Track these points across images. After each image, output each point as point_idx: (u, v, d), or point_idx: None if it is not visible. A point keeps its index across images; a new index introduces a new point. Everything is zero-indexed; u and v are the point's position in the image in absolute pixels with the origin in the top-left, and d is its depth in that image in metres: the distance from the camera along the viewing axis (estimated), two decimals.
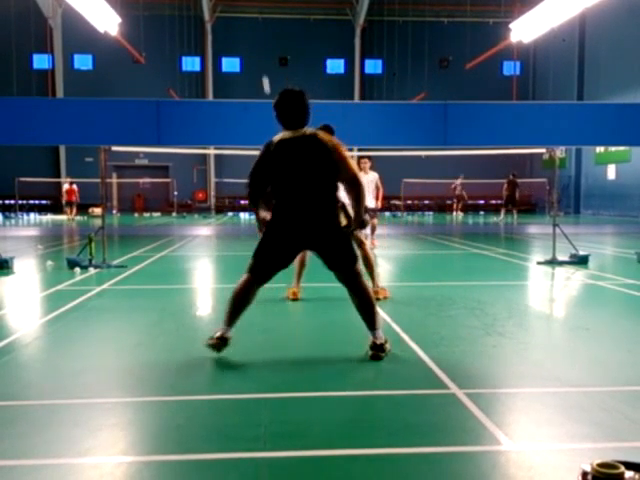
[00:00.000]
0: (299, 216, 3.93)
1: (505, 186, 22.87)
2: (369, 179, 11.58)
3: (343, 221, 4.17)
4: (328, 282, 7.78)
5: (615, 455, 2.18)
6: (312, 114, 4.06)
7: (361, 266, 4.17)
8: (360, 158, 12.18)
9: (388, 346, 3.97)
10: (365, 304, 4.00)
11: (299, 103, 3.97)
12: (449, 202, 29.57)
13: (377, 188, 11.45)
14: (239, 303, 4.03)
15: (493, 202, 25.75)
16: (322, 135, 3.96)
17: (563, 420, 2.93)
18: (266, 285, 4.21)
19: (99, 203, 11.23)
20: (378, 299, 5.81)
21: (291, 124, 3.96)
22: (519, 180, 24.31)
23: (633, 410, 3.07)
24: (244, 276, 4.09)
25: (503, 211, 23.31)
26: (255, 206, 4.20)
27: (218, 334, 3.97)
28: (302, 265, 6.18)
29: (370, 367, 3.86)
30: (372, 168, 11.62)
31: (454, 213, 27.84)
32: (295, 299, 6.18)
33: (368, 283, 4.18)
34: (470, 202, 29.41)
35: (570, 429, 2.81)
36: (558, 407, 3.12)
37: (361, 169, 11.75)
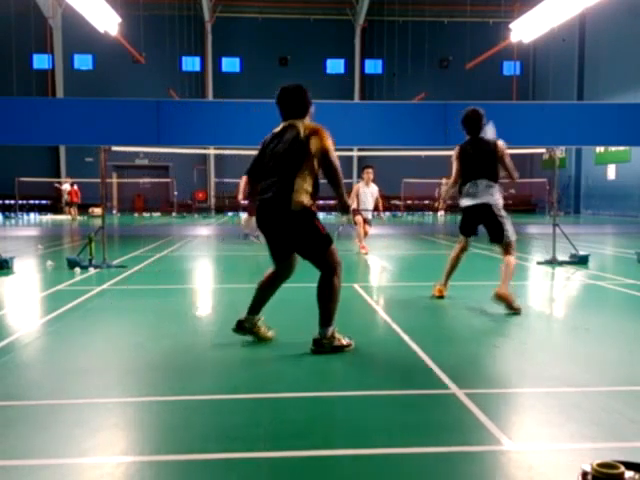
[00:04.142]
0: (262, 205, 4.11)
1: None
2: (371, 191, 11.52)
3: (306, 202, 4.02)
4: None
5: (615, 455, 2.18)
6: (313, 108, 4.25)
7: (336, 260, 4.12)
8: (364, 168, 12.09)
9: (327, 342, 4.06)
10: (321, 297, 4.10)
11: (290, 96, 4.16)
12: (449, 202, 29.59)
13: (376, 201, 11.50)
14: (259, 286, 4.44)
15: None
16: (301, 122, 4.07)
17: (563, 420, 2.93)
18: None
19: (99, 203, 11.23)
20: (440, 297, 6.18)
21: (284, 116, 4.18)
22: (519, 180, 24.60)
23: (633, 410, 3.07)
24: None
25: None
26: (250, 195, 4.64)
27: (240, 318, 4.36)
28: (453, 265, 6.21)
29: (370, 367, 3.87)
30: (374, 180, 11.58)
31: (442, 213, 28.14)
32: (440, 296, 6.16)
33: (339, 280, 4.15)
34: None
35: (570, 429, 2.81)
36: (558, 407, 3.12)
37: (365, 180, 11.68)
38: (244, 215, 13.32)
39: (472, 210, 5.85)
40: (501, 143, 5.80)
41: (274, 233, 4.16)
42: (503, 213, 5.76)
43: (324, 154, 3.93)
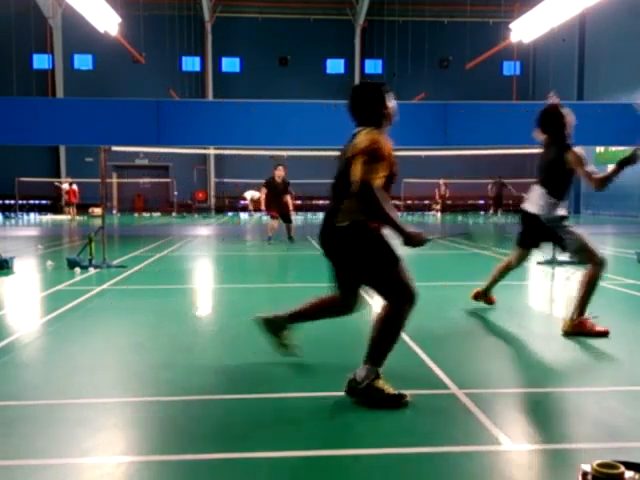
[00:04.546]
0: (321, 229, 3.45)
1: (491, 187, 24.57)
2: None
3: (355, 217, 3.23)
4: (328, 282, 7.75)
5: (615, 455, 2.18)
6: (381, 113, 3.39)
7: (404, 286, 3.23)
8: None
9: (364, 387, 3.15)
10: (377, 329, 3.26)
11: (356, 97, 3.37)
12: (449, 202, 29.83)
13: None
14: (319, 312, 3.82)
15: (481, 202, 26.14)
16: (364, 133, 3.26)
17: (563, 420, 2.93)
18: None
19: (99, 203, 11.23)
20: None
21: (355, 122, 3.41)
22: (518, 180, 24.99)
23: (633, 410, 3.07)
24: None
25: (496, 210, 24.31)
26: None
27: (269, 316, 3.81)
28: (503, 269, 5.55)
29: None
30: None
31: (437, 213, 28.70)
32: (476, 297, 5.71)
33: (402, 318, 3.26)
34: (470, 202, 29.56)
35: (570, 429, 2.81)
36: (558, 407, 3.12)
37: None
38: (269, 220, 13.73)
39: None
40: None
41: (330, 258, 3.48)
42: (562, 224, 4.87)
43: (360, 185, 3.08)
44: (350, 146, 3.26)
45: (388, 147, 3.24)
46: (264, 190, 12.93)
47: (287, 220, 13.03)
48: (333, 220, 3.29)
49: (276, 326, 3.79)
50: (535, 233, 5.04)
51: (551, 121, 4.92)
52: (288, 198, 13.11)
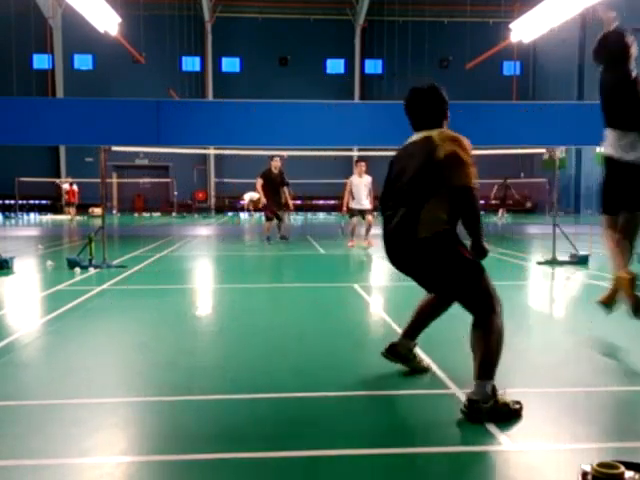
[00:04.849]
0: (385, 236, 3.26)
1: (498, 188, 24.47)
2: (364, 182, 11.85)
3: (437, 228, 3.05)
4: (327, 282, 7.77)
5: (615, 455, 2.18)
6: (444, 113, 3.27)
7: (492, 293, 3.16)
8: (357, 161, 12.46)
9: (492, 406, 2.90)
10: (478, 345, 3.12)
11: (420, 101, 3.24)
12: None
13: (371, 191, 11.91)
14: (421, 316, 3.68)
15: (493, 202, 25.96)
16: (437, 134, 3.10)
17: (563, 420, 2.93)
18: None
19: (99, 203, 11.23)
20: None
21: (415, 126, 3.29)
22: (517, 180, 25.18)
23: (634, 410, 3.07)
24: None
25: (502, 211, 24.18)
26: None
27: (394, 342, 3.63)
28: (620, 241, 4.33)
29: (370, 367, 3.86)
30: (366, 171, 11.99)
31: None
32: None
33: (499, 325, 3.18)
34: None
35: (570, 429, 2.81)
36: (558, 407, 3.12)
37: (357, 172, 12.00)
38: (264, 221, 13.71)
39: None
40: None
41: (406, 270, 3.29)
42: None
43: (463, 191, 2.97)
44: (423, 149, 3.09)
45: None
46: (260, 181, 12.77)
47: (280, 218, 13.02)
48: (412, 232, 3.07)
49: (403, 349, 3.63)
50: (627, 189, 4.19)
51: (617, 51, 4.32)
52: (285, 190, 13.11)
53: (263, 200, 12.87)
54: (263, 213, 14.07)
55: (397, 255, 3.23)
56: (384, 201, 3.31)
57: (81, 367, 3.84)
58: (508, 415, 2.92)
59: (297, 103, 10.49)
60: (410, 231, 3.07)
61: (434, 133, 3.12)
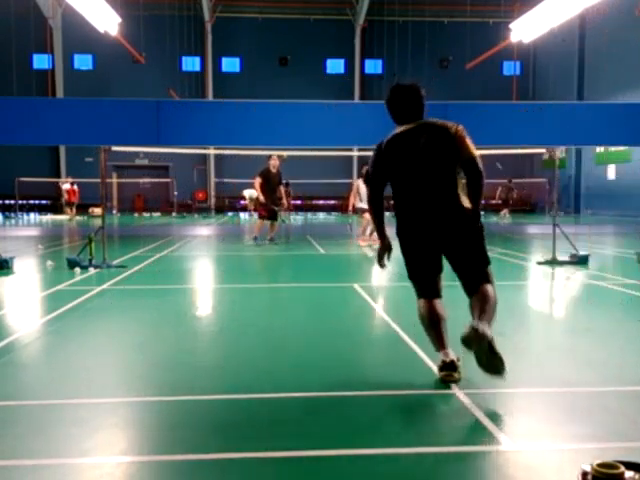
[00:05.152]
0: (424, 216, 3.55)
1: (502, 189, 24.40)
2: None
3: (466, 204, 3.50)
4: (328, 282, 7.77)
5: (615, 455, 2.18)
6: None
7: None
8: (364, 165, 12.54)
9: (490, 341, 3.24)
10: (490, 299, 3.48)
11: (412, 97, 3.59)
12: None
13: None
14: (432, 325, 3.61)
15: (492, 202, 25.95)
16: (439, 121, 3.58)
17: (563, 420, 2.93)
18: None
19: (99, 203, 11.23)
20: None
21: (405, 118, 3.60)
22: (517, 180, 25.30)
23: (634, 410, 3.07)
24: (418, 302, 3.69)
25: (505, 211, 24.21)
26: (378, 216, 3.81)
27: (444, 360, 3.52)
28: None
29: (370, 367, 3.87)
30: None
31: None
32: None
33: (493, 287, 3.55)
34: None
35: (570, 429, 2.81)
36: (558, 407, 3.12)
37: (364, 177, 12.00)
38: (257, 219, 13.62)
39: None
40: None
41: (437, 241, 3.55)
42: None
43: (472, 161, 3.45)
44: (438, 130, 3.51)
45: None
46: (258, 180, 12.69)
47: (276, 218, 13.00)
48: (455, 201, 3.48)
49: (453, 362, 3.54)
50: None
51: None
52: (282, 189, 13.10)
53: (261, 199, 12.81)
54: (257, 212, 14.02)
55: (439, 226, 3.51)
56: (379, 183, 3.68)
57: (81, 367, 3.85)
58: (493, 353, 3.23)
59: (297, 103, 10.48)
60: (452, 201, 3.48)
61: (432, 120, 3.58)
